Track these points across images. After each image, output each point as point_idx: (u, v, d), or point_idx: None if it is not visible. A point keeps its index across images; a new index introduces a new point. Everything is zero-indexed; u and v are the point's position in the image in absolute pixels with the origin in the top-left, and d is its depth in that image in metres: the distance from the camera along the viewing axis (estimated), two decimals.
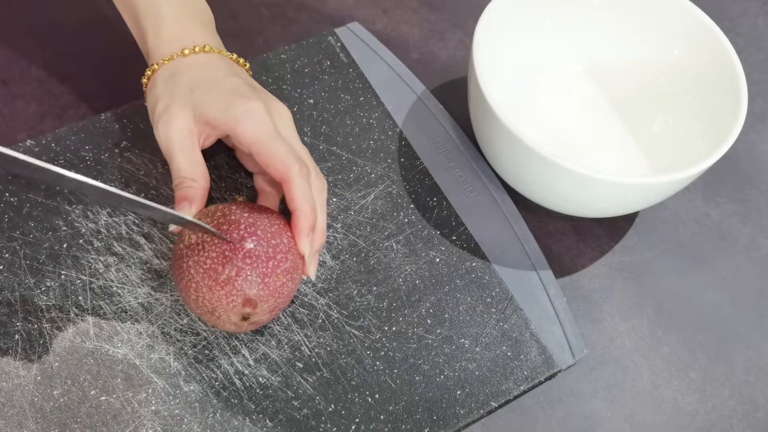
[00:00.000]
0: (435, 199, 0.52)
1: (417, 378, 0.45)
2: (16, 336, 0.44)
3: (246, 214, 0.42)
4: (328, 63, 0.58)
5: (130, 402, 0.43)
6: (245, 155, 0.49)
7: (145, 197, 0.50)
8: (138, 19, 0.48)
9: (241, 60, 0.49)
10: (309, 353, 0.45)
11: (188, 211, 0.43)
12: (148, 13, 0.47)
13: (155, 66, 0.47)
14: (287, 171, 0.43)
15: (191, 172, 0.44)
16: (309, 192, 0.43)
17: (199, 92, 0.44)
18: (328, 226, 0.50)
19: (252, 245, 0.41)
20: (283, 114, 0.46)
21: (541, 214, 0.55)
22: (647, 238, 0.55)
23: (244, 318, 0.41)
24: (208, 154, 0.48)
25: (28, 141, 0.51)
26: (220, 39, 0.50)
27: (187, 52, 0.46)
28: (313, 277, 0.44)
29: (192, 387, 0.44)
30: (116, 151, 0.52)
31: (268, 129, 0.44)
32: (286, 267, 0.42)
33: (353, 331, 0.46)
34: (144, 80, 0.48)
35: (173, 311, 0.46)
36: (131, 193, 0.37)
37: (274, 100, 0.47)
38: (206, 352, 0.45)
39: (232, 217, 0.42)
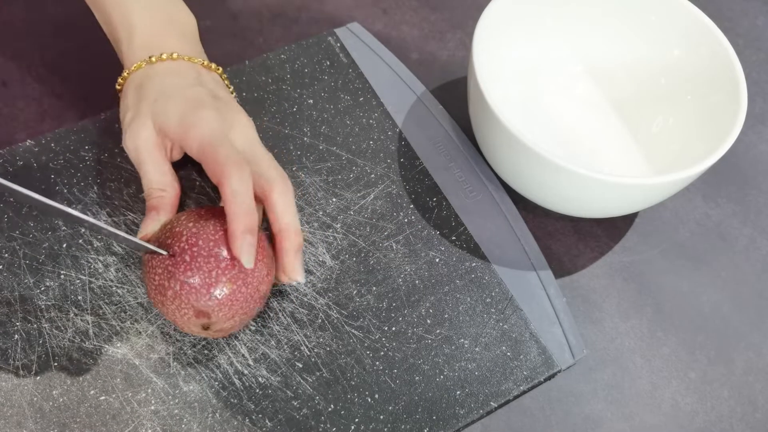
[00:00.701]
0: (435, 199, 0.52)
1: (417, 378, 0.45)
2: (16, 336, 0.44)
3: (191, 224, 0.41)
4: (328, 63, 0.58)
5: (129, 402, 0.43)
6: None
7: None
8: (113, 30, 0.49)
9: (213, 65, 0.49)
10: (308, 353, 0.45)
11: (157, 221, 0.43)
12: (122, 23, 0.48)
13: (125, 74, 0.47)
14: (221, 173, 0.41)
15: (160, 183, 0.44)
16: (243, 194, 0.41)
17: (160, 102, 0.45)
18: (328, 226, 0.50)
19: (192, 257, 0.40)
20: (242, 124, 0.46)
21: (540, 214, 0.55)
22: (647, 238, 0.55)
23: (205, 328, 0.41)
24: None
25: (28, 141, 0.51)
26: (202, 46, 0.51)
27: (153, 59, 0.47)
28: (285, 281, 0.44)
29: (191, 387, 0.44)
30: (116, 151, 0.51)
31: (214, 136, 0.42)
32: (233, 274, 0.40)
33: (353, 331, 0.46)
34: (117, 87, 0.48)
35: None
36: (82, 211, 0.37)
37: (236, 111, 0.46)
38: (205, 352, 0.45)
39: (177, 229, 0.41)
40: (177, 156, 0.47)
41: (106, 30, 0.50)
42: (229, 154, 0.41)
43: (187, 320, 0.41)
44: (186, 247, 0.40)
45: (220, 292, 0.40)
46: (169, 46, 0.48)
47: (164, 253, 0.41)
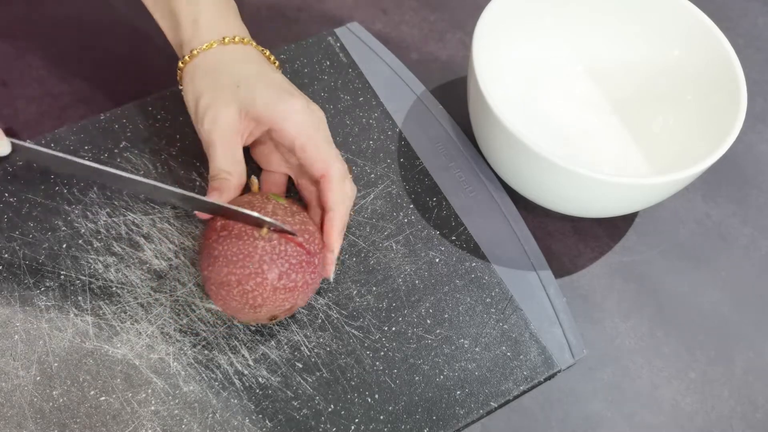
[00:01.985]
0: (435, 199, 0.52)
1: (417, 378, 0.45)
2: (16, 336, 0.44)
3: (312, 228, 0.44)
4: (328, 63, 0.58)
5: (129, 402, 0.43)
6: (265, 153, 0.49)
7: (144, 197, 0.50)
8: (174, 12, 0.48)
9: (272, 57, 0.50)
10: (308, 353, 0.45)
11: (218, 200, 0.43)
12: (188, 4, 0.47)
13: (195, 52, 0.47)
14: (328, 169, 0.44)
15: (228, 167, 0.45)
16: (345, 194, 0.44)
17: (246, 88, 0.45)
18: None
19: (319, 261, 0.43)
20: (321, 116, 0.47)
21: (541, 214, 0.55)
22: (647, 238, 0.55)
23: (273, 318, 0.43)
24: None
25: (28, 141, 0.51)
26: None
27: (227, 40, 0.47)
28: (332, 278, 0.47)
29: (191, 387, 0.44)
30: (115, 151, 0.52)
31: (313, 126, 0.45)
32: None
33: (353, 331, 0.46)
34: (180, 65, 0.48)
35: (173, 311, 0.46)
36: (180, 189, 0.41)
37: (311, 101, 0.48)
38: (206, 352, 0.45)
39: (311, 228, 0.43)
40: (248, 143, 0.47)
41: (160, 13, 0.49)
42: (331, 151, 0.45)
43: (276, 309, 0.42)
44: (317, 250, 0.43)
45: (313, 294, 0.45)
46: (236, 29, 0.48)
47: (293, 234, 0.42)
